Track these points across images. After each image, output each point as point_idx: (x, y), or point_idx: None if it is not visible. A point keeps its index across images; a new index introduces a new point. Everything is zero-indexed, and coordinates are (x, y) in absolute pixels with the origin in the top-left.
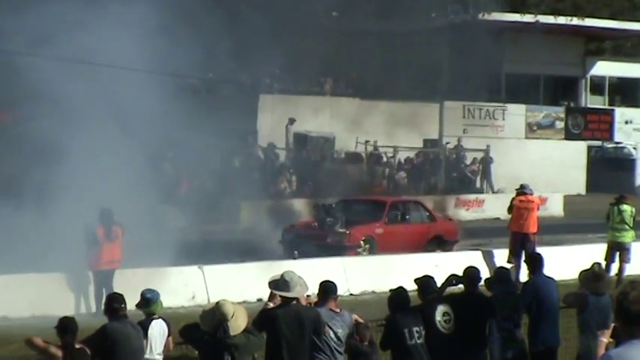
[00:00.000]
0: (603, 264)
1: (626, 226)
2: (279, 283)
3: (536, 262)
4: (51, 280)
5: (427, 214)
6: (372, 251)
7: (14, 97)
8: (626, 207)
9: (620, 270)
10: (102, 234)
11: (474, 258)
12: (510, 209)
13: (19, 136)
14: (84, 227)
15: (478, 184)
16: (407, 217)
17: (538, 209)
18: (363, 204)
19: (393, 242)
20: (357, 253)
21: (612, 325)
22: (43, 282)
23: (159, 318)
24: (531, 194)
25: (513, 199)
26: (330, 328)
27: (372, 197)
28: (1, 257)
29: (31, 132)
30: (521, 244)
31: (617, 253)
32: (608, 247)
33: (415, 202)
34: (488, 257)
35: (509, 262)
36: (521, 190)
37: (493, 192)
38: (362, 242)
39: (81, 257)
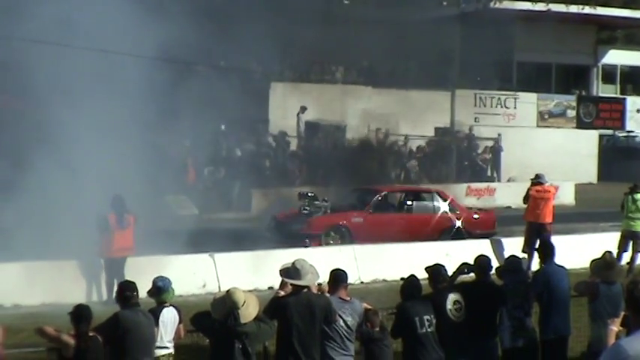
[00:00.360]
0: (615, 252)
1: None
2: (290, 271)
3: (547, 251)
4: (62, 268)
5: (444, 204)
6: (346, 241)
7: (22, 83)
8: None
9: (633, 259)
10: (113, 221)
11: (484, 247)
12: (526, 199)
13: (29, 123)
14: (96, 214)
15: (489, 173)
16: (405, 206)
17: (554, 199)
18: (360, 193)
19: (381, 232)
20: (320, 243)
21: (622, 313)
22: (54, 270)
23: (170, 306)
24: (547, 184)
25: (529, 189)
26: (340, 317)
27: (371, 186)
28: (13, 244)
29: (41, 118)
30: (537, 233)
31: (631, 242)
32: (621, 235)
33: (427, 191)
34: (497, 246)
35: (524, 251)
36: (537, 180)
37: (499, 181)
38: (331, 232)
39: (92, 245)
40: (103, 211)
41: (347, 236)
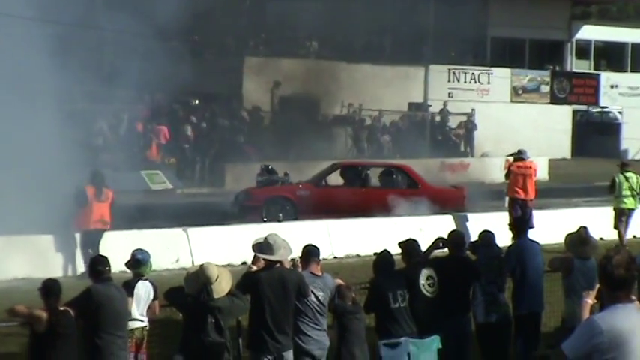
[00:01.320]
0: (615, 232)
1: (633, 193)
2: (262, 246)
3: (520, 226)
4: (36, 242)
5: (407, 180)
6: (288, 214)
7: None
8: (631, 174)
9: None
10: (92, 194)
11: (459, 222)
12: (507, 175)
13: None
14: (75, 188)
15: (462, 148)
16: (361, 181)
17: (535, 175)
18: (320, 167)
19: (329, 206)
20: (261, 216)
21: (597, 286)
22: (27, 244)
23: (146, 280)
24: (527, 159)
25: (510, 165)
26: (312, 292)
27: (337, 161)
28: None
29: None
30: (521, 209)
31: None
32: (615, 214)
33: (386, 165)
34: (460, 221)
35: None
36: (519, 156)
37: (473, 156)
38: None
39: (66, 218)
40: (82, 185)
41: (291, 210)
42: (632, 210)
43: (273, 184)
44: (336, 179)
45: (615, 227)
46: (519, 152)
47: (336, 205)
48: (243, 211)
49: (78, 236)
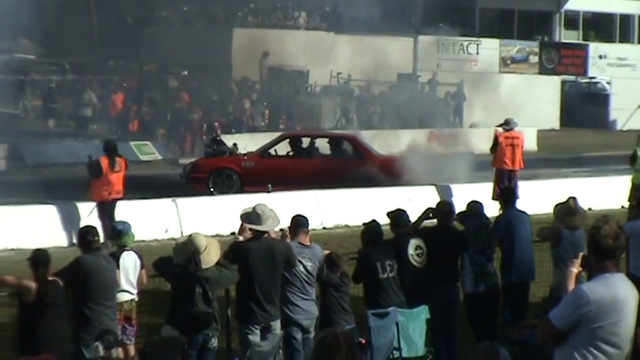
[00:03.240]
0: (627, 204)
1: None
2: (250, 216)
3: (508, 196)
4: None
5: (353, 150)
6: (234, 185)
7: None
8: None
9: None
10: (106, 164)
11: (446, 193)
12: (494, 146)
13: None
14: (88, 159)
15: (451, 119)
16: (305, 151)
17: (523, 145)
18: (289, 138)
19: (274, 177)
20: (205, 187)
21: (581, 254)
22: (27, 214)
23: (130, 250)
24: (515, 129)
25: (497, 135)
26: (300, 262)
27: (289, 132)
28: None
29: None
30: (508, 180)
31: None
32: (632, 187)
33: (336, 137)
34: (444, 192)
35: (494, 198)
36: (506, 126)
37: (462, 127)
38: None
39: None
40: (96, 156)
41: (236, 181)
42: None
43: (222, 154)
44: (285, 149)
45: (629, 200)
46: (506, 122)
47: (282, 175)
48: (189, 182)
49: (80, 206)
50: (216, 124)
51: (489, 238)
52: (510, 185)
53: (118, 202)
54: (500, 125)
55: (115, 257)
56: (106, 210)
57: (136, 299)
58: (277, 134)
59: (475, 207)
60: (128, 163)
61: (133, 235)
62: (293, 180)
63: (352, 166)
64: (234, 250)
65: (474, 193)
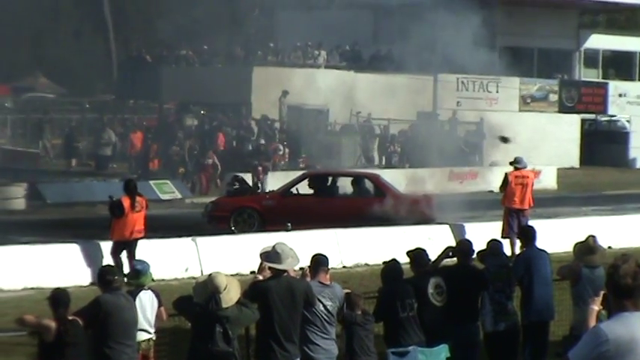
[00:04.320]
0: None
1: None
2: (270, 255)
3: (528, 235)
4: (55, 252)
5: (374, 188)
6: (255, 224)
7: None
8: None
9: None
10: (128, 205)
11: (467, 231)
12: (504, 185)
13: None
14: (110, 199)
15: (472, 158)
16: (327, 190)
17: (533, 184)
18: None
19: (295, 215)
20: (228, 226)
21: (602, 292)
22: (44, 254)
23: (148, 289)
24: (525, 168)
25: (507, 174)
26: (320, 301)
27: (310, 171)
28: None
29: None
30: (517, 219)
31: None
32: None
33: (355, 175)
34: (458, 231)
35: (503, 237)
36: (516, 165)
37: (482, 165)
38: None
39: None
40: (119, 196)
41: (257, 219)
42: None
43: (243, 193)
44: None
45: None
46: (516, 161)
47: (303, 214)
48: (211, 220)
49: (100, 245)
50: (260, 168)
51: (509, 277)
52: (528, 225)
53: (138, 242)
54: (511, 163)
55: (132, 296)
56: (126, 249)
57: (154, 338)
58: (297, 173)
59: (495, 246)
60: (148, 203)
61: (151, 275)
62: (315, 219)
63: (374, 205)
64: (254, 289)
65: (488, 231)
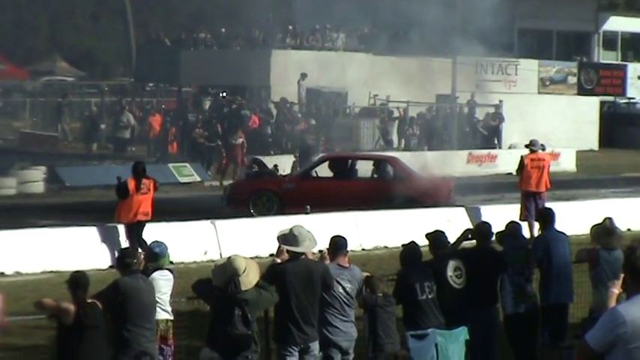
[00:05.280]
0: None
1: None
2: (287, 238)
3: (547, 217)
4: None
5: (389, 171)
6: (274, 207)
7: None
8: None
9: None
10: (133, 186)
11: (485, 213)
12: (520, 168)
13: None
14: (116, 180)
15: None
16: (346, 173)
17: (549, 167)
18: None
19: (314, 198)
20: (248, 208)
21: (622, 275)
22: (61, 236)
23: (164, 269)
24: (542, 151)
25: (523, 157)
26: (339, 283)
27: (329, 154)
28: None
29: None
30: (534, 201)
31: None
32: None
33: (373, 158)
34: (473, 213)
35: (521, 220)
36: (532, 148)
37: (500, 148)
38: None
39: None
40: (125, 178)
41: (276, 203)
42: None
43: (262, 176)
44: (327, 171)
45: None
46: (532, 144)
47: (322, 197)
48: (230, 203)
49: (119, 228)
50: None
51: (528, 260)
52: (547, 207)
53: (146, 225)
54: (526, 146)
55: (146, 275)
56: (132, 231)
57: (172, 319)
58: (316, 156)
59: (514, 228)
60: (158, 185)
61: (169, 257)
62: (334, 202)
63: (393, 188)
64: (272, 272)
65: (504, 214)
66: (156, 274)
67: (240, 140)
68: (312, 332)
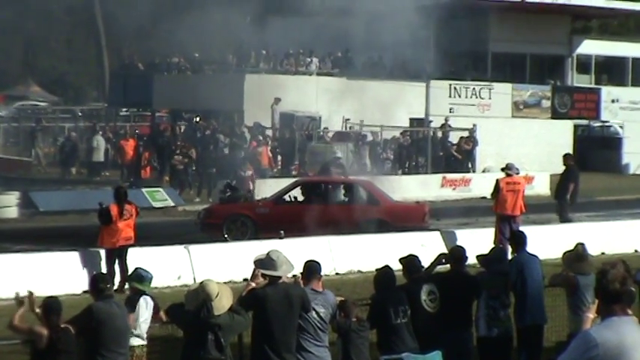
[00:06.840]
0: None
1: None
2: (265, 262)
3: (519, 240)
4: (50, 260)
5: (363, 195)
6: (248, 232)
7: None
8: None
9: None
10: (115, 212)
11: (460, 237)
12: (496, 191)
13: None
14: (98, 206)
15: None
16: (321, 197)
17: (524, 191)
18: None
19: (288, 223)
20: (221, 234)
21: (597, 300)
22: (40, 261)
23: (148, 296)
24: (517, 174)
25: (498, 180)
26: (313, 308)
27: (303, 178)
28: None
29: None
30: (509, 225)
31: None
32: None
33: (346, 182)
34: (448, 238)
35: (495, 243)
36: (507, 171)
37: (474, 172)
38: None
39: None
40: (109, 203)
41: (250, 227)
42: None
43: (236, 200)
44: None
45: None
46: (508, 167)
47: (296, 221)
48: (204, 228)
49: (93, 253)
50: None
51: (506, 285)
52: (519, 230)
53: (129, 249)
54: (502, 169)
55: (132, 302)
56: (115, 257)
57: (146, 344)
58: (289, 180)
59: (500, 251)
60: (139, 210)
61: (150, 285)
62: (308, 226)
63: (367, 213)
64: (252, 297)
65: (479, 238)
66: (142, 301)
67: (249, 172)
68: (290, 358)
